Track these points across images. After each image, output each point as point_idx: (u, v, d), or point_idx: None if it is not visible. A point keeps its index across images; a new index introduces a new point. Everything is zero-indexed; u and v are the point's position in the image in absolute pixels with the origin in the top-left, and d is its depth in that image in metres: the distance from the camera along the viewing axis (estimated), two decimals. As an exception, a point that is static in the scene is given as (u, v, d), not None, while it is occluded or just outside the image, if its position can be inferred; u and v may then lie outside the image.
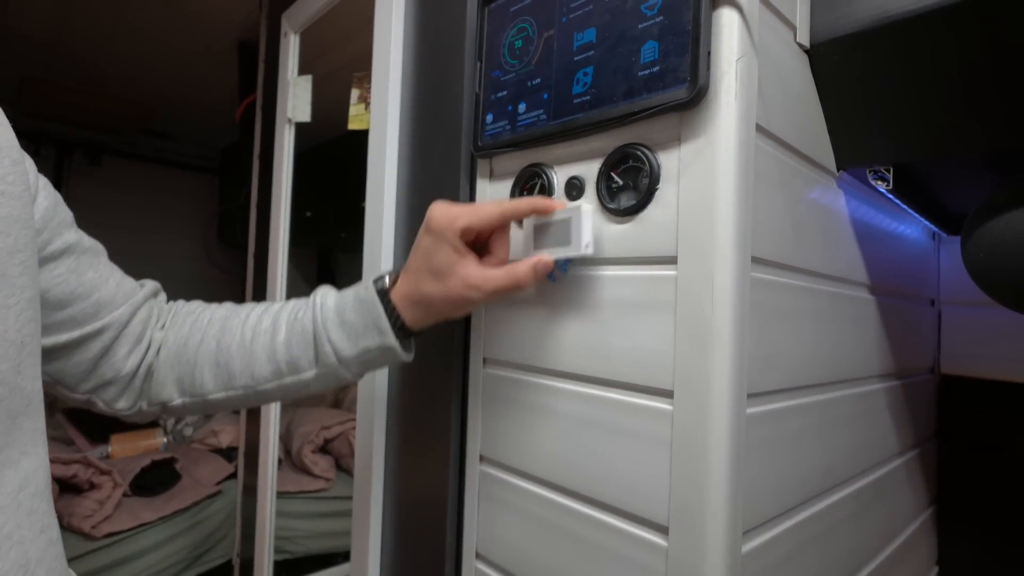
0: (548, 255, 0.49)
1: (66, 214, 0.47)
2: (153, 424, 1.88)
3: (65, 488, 1.40)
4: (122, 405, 0.51)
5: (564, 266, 0.49)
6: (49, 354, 0.45)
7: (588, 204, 0.48)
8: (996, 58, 0.45)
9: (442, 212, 0.49)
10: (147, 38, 1.68)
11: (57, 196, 0.46)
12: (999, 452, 0.87)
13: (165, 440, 1.80)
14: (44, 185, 0.44)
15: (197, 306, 0.56)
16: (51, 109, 2.20)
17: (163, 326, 0.53)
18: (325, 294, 0.54)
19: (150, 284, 0.54)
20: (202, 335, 0.52)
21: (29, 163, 0.42)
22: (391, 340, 0.51)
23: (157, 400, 0.52)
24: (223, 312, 0.54)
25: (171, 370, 0.52)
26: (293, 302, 0.55)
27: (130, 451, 1.69)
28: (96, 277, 0.47)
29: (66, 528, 1.33)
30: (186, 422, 1.97)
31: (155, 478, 1.53)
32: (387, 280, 0.52)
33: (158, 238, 2.84)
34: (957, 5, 0.42)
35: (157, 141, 2.72)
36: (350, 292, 0.53)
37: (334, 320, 0.51)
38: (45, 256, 0.43)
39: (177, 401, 0.52)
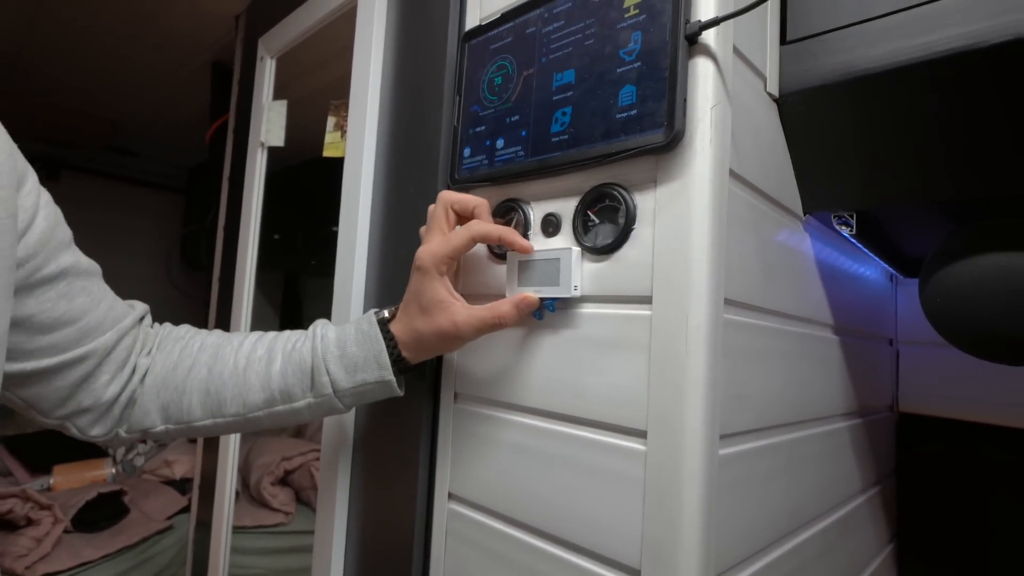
0: (533, 292, 0.49)
1: (64, 234, 0.45)
2: (101, 453, 1.78)
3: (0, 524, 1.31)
4: (97, 431, 0.50)
5: (551, 305, 0.49)
6: (27, 379, 0.44)
7: (576, 246, 0.48)
8: (949, 114, 0.48)
9: (425, 250, 0.51)
10: (116, 55, 1.65)
11: (58, 215, 0.45)
12: (955, 488, 0.90)
13: (113, 471, 1.70)
14: (45, 203, 0.43)
15: (186, 331, 0.55)
16: (9, 121, 2.12)
17: (149, 352, 0.52)
18: (325, 326, 0.54)
19: (139, 307, 0.53)
20: (192, 361, 0.51)
21: (31, 183, 0.42)
22: (389, 375, 0.51)
23: (138, 427, 0.51)
24: (214, 339, 0.54)
25: (156, 397, 0.51)
26: (288, 333, 0.55)
27: (75, 483, 1.59)
28: (87, 302, 0.46)
29: (-2, 567, 1.24)
30: (137, 451, 1.87)
31: (101, 512, 1.44)
32: (386, 313, 0.54)
33: (118, 258, 2.73)
34: (917, 64, 0.45)
35: (121, 157, 2.65)
36: (351, 326, 0.53)
37: (334, 352, 0.51)
38: (36, 281, 0.42)
39: (160, 427, 0.51)
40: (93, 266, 0.48)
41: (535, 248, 0.50)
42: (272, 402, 0.51)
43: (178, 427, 0.51)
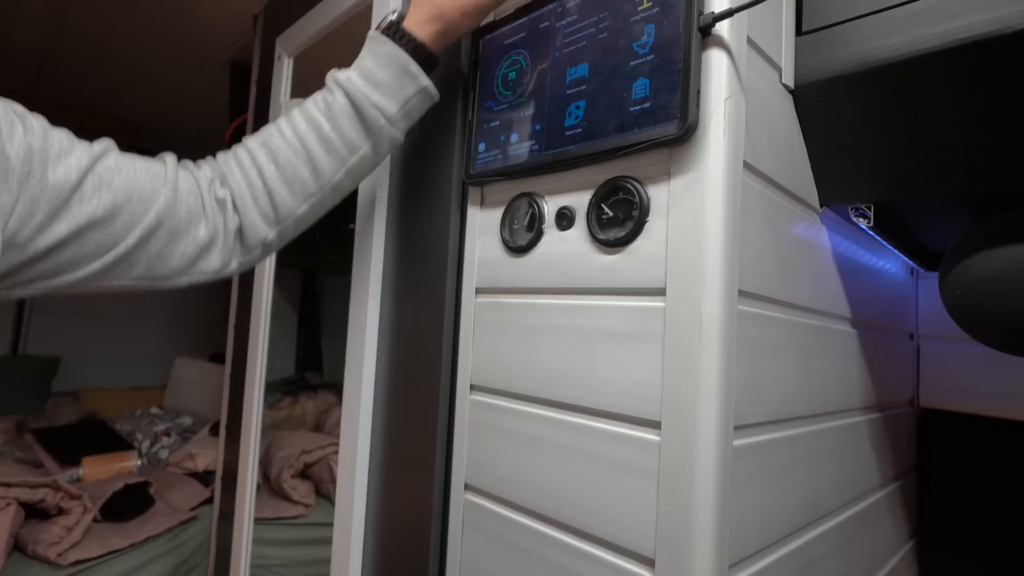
0: None
1: (60, 141, 0.44)
2: (127, 447, 1.82)
3: (32, 513, 1.34)
4: (215, 263, 0.53)
5: None
6: (130, 257, 0.47)
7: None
8: (969, 104, 0.47)
9: None
10: (137, 58, 1.68)
11: (40, 133, 0.43)
12: (978, 485, 0.88)
13: (139, 463, 1.74)
14: (10, 135, 0.41)
15: (222, 156, 0.57)
16: (37, 124, 2.18)
17: (223, 183, 0.54)
18: (344, 73, 0.55)
19: (169, 157, 0.54)
20: (257, 168, 0.54)
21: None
22: (424, 79, 0.55)
23: (255, 243, 0.55)
24: (255, 143, 0.55)
25: (254, 209, 0.54)
26: (309, 101, 0.56)
27: (102, 474, 1.63)
28: (125, 179, 0.47)
29: (31, 556, 1.27)
30: (162, 444, 1.91)
31: (127, 503, 1.47)
32: (394, 16, 0.56)
33: (140, 255, 2.80)
34: (937, 53, 0.44)
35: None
36: (366, 55, 0.55)
37: (368, 86, 0.54)
38: (67, 194, 0.43)
39: (272, 235, 0.55)
40: (101, 147, 0.47)
41: None
42: (343, 159, 0.54)
43: (284, 225, 0.55)
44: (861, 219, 0.60)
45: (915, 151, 0.52)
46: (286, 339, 2.82)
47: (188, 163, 0.55)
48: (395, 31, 0.54)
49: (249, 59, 1.39)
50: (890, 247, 0.74)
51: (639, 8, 0.45)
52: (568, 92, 0.50)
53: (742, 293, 0.44)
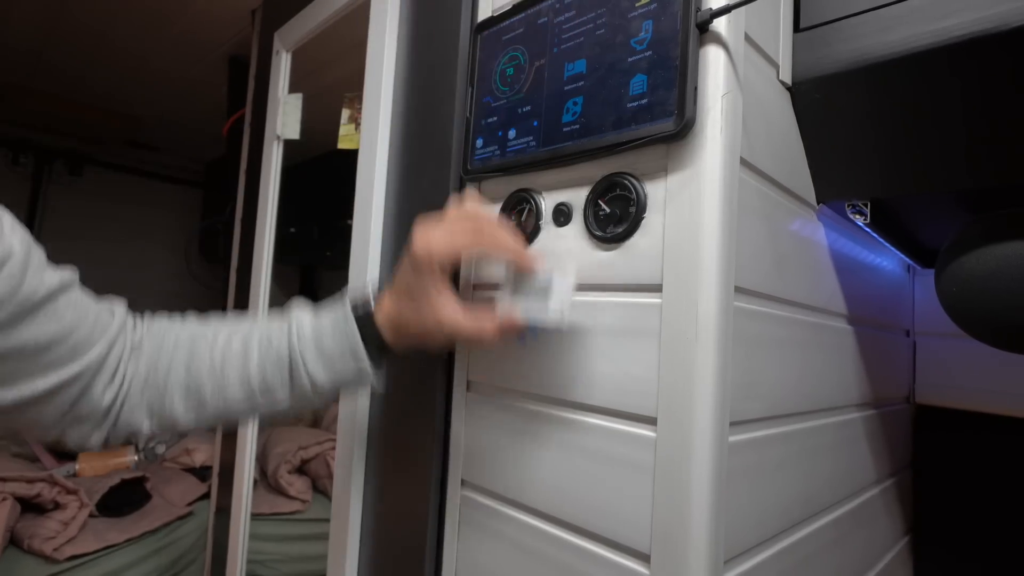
0: (521, 313, 0.48)
1: (40, 256, 0.44)
2: (125, 441, 1.82)
3: (28, 508, 1.35)
4: (96, 439, 0.49)
5: (535, 333, 0.48)
6: (27, 403, 0.43)
7: (571, 271, 0.48)
8: (965, 101, 0.47)
9: (421, 241, 0.48)
10: (135, 52, 1.67)
11: (28, 240, 0.43)
12: (973, 481, 0.89)
13: (135, 458, 1.74)
14: (11, 226, 0.41)
15: (160, 326, 0.53)
16: (33, 118, 2.17)
17: (132, 354, 0.51)
18: (300, 318, 0.53)
19: (119, 311, 0.51)
20: (170, 361, 0.51)
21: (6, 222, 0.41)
22: (366, 366, 0.51)
23: (125, 429, 0.50)
24: (188, 333, 0.52)
25: (141, 396, 0.50)
26: (263, 323, 0.53)
27: (99, 469, 1.64)
28: (75, 316, 0.45)
29: (27, 550, 1.28)
30: (159, 439, 1.92)
31: (124, 498, 1.48)
32: (372, 302, 0.52)
33: (138, 251, 2.80)
34: (933, 50, 0.44)
35: (141, 153, 2.70)
36: (328, 317, 0.52)
37: (311, 348, 0.51)
38: (29, 307, 0.41)
39: (146, 427, 0.51)
40: (71, 275, 0.46)
41: (537, 265, 0.49)
42: (252, 397, 0.51)
43: (163, 425, 0.51)
44: (858, 216, 0.60)
45: (912, 148, 0.52)
46: (284, 335, 2.81)
47: (128, 324, 0.51)
48: (367, 315, 0.51)
49: (247, 53, 1.38)
50: (886, 244, 0.74)
51: (637, 4, 0.45)
52: (566, 88, 0.50)
53: (738, 289, 0.44)
